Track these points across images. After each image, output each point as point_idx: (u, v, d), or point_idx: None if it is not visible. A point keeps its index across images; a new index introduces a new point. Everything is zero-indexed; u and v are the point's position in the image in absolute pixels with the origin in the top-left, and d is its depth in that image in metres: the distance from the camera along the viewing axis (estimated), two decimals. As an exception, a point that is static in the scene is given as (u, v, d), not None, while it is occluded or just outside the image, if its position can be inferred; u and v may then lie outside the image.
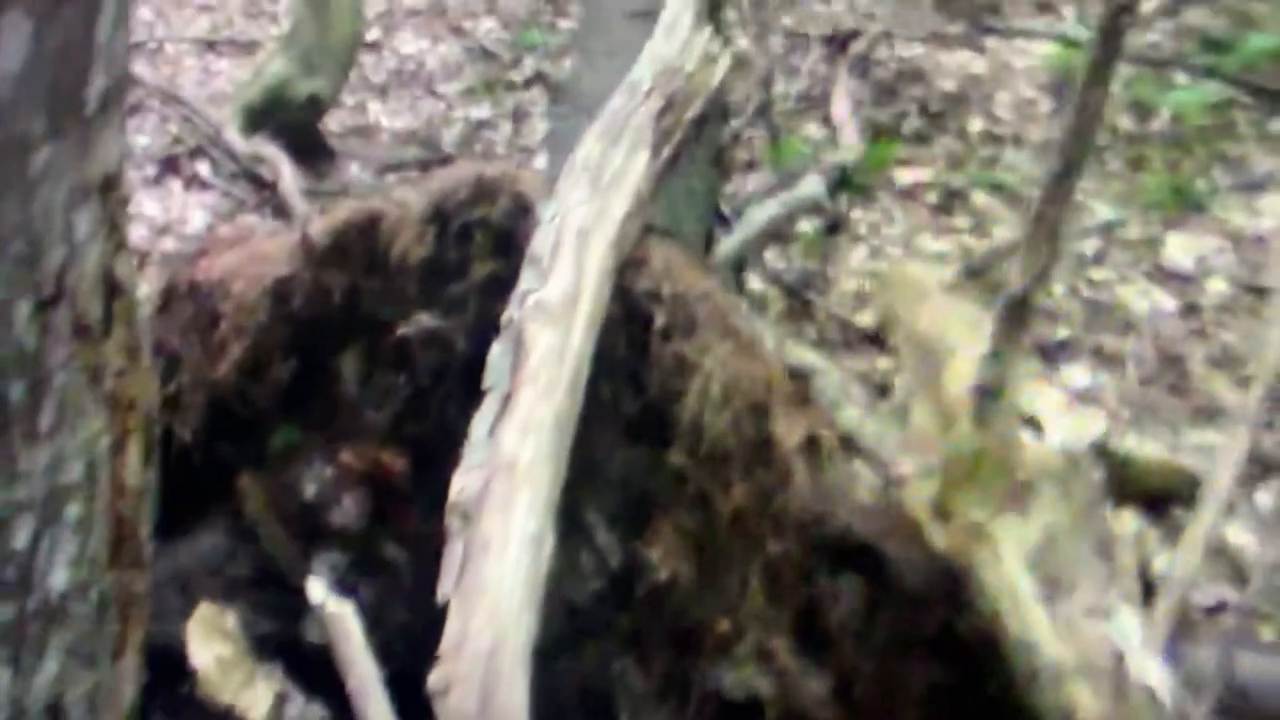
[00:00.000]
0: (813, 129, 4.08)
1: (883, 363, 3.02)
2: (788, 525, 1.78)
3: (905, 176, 3.83)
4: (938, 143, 4.00)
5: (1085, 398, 2.93)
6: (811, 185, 3.47)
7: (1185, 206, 3.61)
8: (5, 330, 1.09)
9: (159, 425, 1.35)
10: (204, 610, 1.80)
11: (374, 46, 4.62)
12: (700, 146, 2.28)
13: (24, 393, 1.12)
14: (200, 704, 1.72)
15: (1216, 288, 3.33)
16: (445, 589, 1.44)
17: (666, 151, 1.95)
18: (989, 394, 1.79)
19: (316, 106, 3.95)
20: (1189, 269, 3.40)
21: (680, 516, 1.79)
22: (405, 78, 4.51)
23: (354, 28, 4.08)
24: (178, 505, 1.50)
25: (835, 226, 3.60)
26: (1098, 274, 3.40)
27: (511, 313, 1.67)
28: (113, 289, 1.19)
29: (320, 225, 1.93)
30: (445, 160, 3.85)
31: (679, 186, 2.22)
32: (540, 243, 1.75)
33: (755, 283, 3.31)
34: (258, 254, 1.96)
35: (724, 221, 3.24)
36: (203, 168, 3.88)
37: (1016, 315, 1.79)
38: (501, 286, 1.75)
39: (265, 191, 3.70)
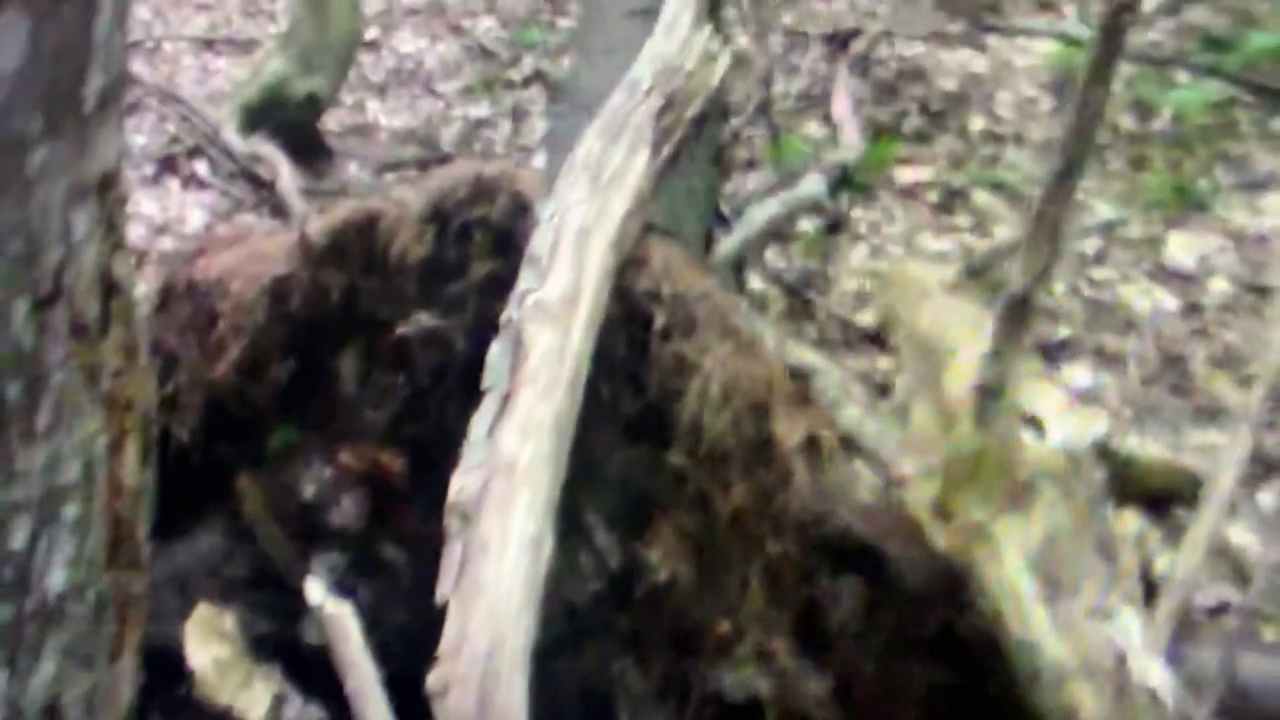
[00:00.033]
0: (813, 128, 4.08)
1: (883, 362, 3.01)
2: (788, 525, 1.78)
3: (906, 175, 3.82)
4: (938, 142, 3.99)
5: (1087, 397, 2.92)
6: (812, 184, 3.46)
7: (1187, 205, 3.61)
8: (2, 329, 1.09)
9: (157, 425, 1.35)
10: (202, 611, 1.80)
11: (373, 45, 4.61)
12: (700, 145, 2.27)
13: (21, 392, 1.11)
14: (198, 705, 1.72)
15: (1218, 287, 3.33)
16: (444, 590, 1.44)
17: (666, 150, 1.95)
18: (990, 394, 1.79)
19: (315, 105, 3.95)
20: (1191, 268, 3.40)
21: (680, 517, 1.78)
22: (404, 76, 4.51)
23: (352, 26, 4.07)
24: (175, 506, 1.50)
25: (836, 226, 3.59)
26: (1099, 273, 3.39)
27: (510, 312, 1.67)
28: (110, 288, 1.19)
29: (318, 224, 1.93)
30: (444, 159, 3.84)
31: (679, 185, 2.22)
32: (539, 242, 1.74)
33: (755, 282, 3.31)
34: (256, 253, 1.96)
35: (724, 221, 3.23)
36: (201, 167, 3.87)
37: (1017, 315, 1.78)
38: (500, 286, 1.75)
39: (263, 191, 3.69)
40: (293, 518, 1.89)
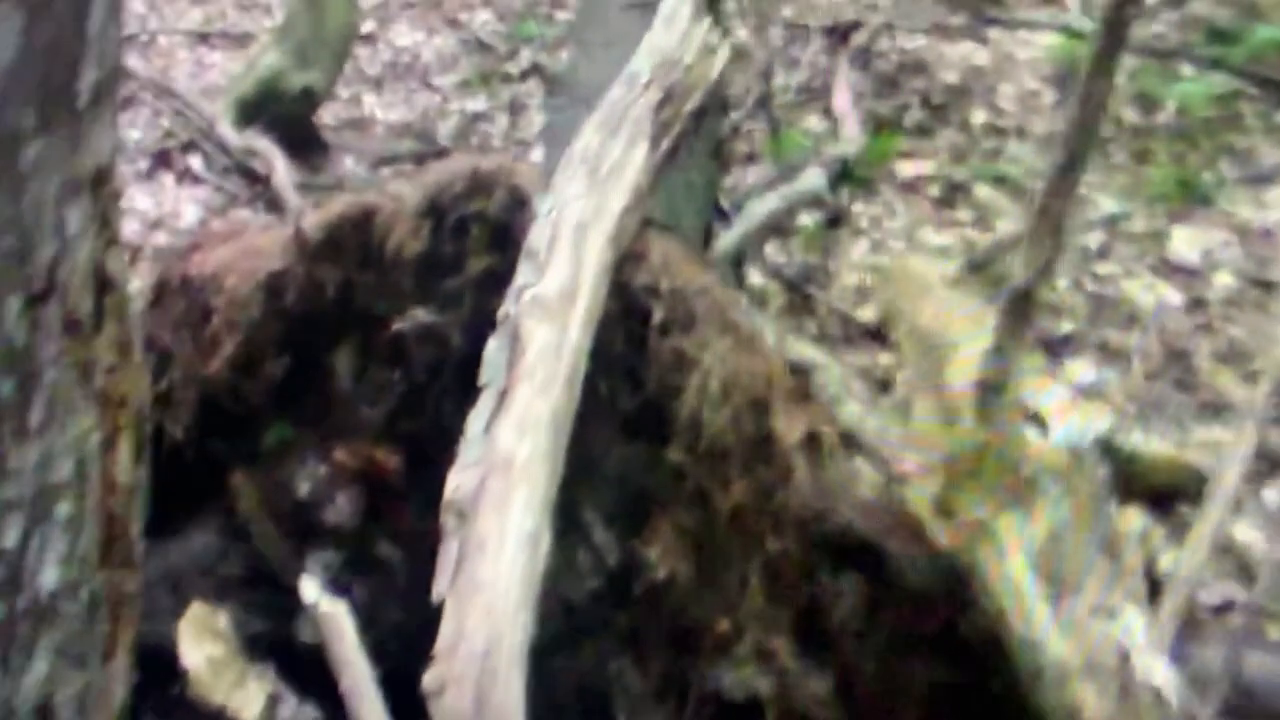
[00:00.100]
0: (813, 121, 4.06)
1: (884, 358, 3.00)
2: (788, 523, 1.77)
3: (907, 169, 3.81)
4: (940, 135, 3.98)
5: (1090, 393, 2.91)
6: (812, 178, 3.44)
7: (1191, 199, 3.59)
8: (-5, 326, 1.08)
9: (150, 422, 1.35)
10: (196, 610, 1.80)
11: (369, 39, 4.60)
12: (699, 139, 2.27)
13: (14, 389, 1.11)
14: (192, 705, 1.72)
15: (1223, 281, 3.32)
16: (440, 588, 1.44)
17: (665, 144, 1.95)
18: (992, 389, 1.78)
19: (310, 99, 3.93)
20: (1195, 263, 3.38)
21: (679, 514, 1.78)
22: (400, 70, 4.49)
23: (348, 19, 4.06)
24: (169, 503, 1.49)
25: (836, 220, 3.58)
26: (1102, 268, 3.38)
27: (508, 308, 1.66)
28: (104, 284, 1.19)
29: (314, 219, 1.93)
30: (441, 153, 3.83)
31: (678, 180, 2.21)
32: (537, 237, 1.74)
33: (755, 277, 3.30)
34: (251, 249, 1.95)
35: (723, 215, 3.22)
36: (195, 162, 3.86)
37: (1020, 310, 1.77)
38: (498, 281, 1.75)
39: (258, 185, 3.68)
40: (287, 515, 1.89)
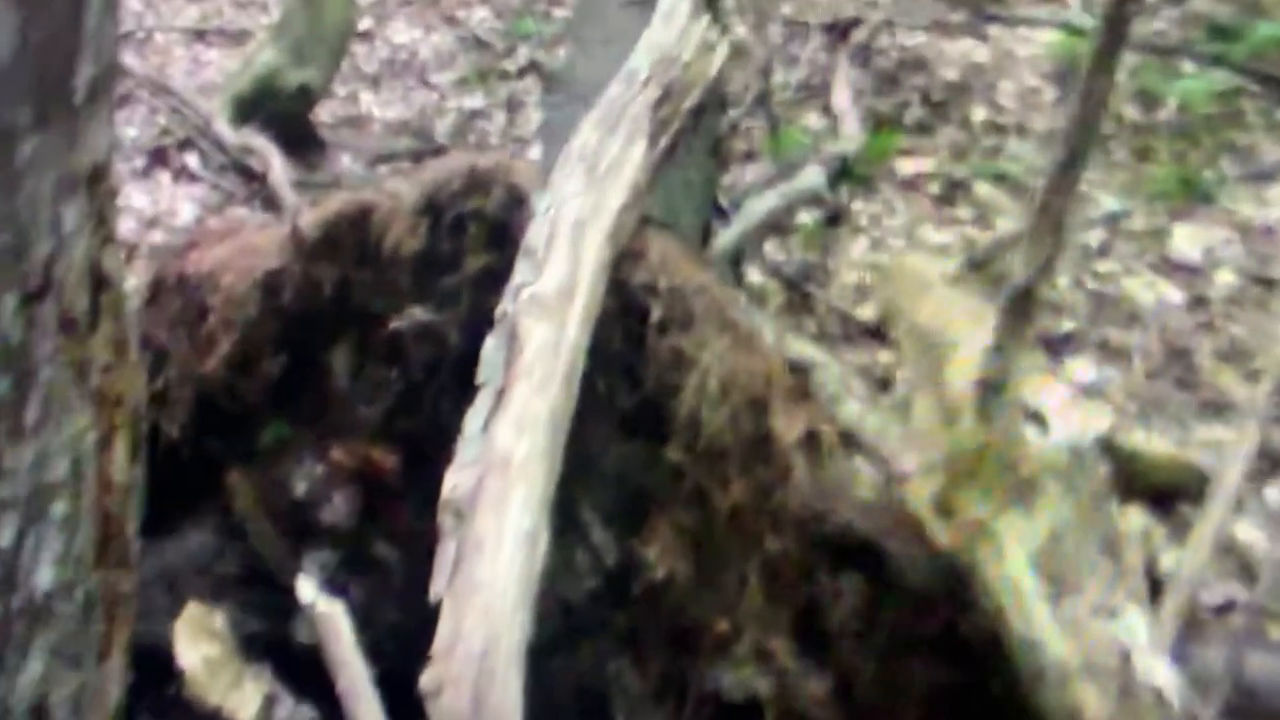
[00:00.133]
0: (813, 119, 4.06)
1: (884, 356, 3.00)
2: (787, 522, 1.77)
3: (907, 167, 3.80)
4: (940, 133, 3.97)
5: (1091, 392, 2.91)
6: (811, 176, 3.43)
7: (1192, 197, 3.59)
8: (-11, 324, 1.08)
9: (146, 421, 1.35)
10: (192, 609, 1.80)
11: (366, 36, 4.60)
12: (698, 137, 2.27)
13: (9, 388, 1.11)
14: (187, 705, 1.72)
15: (1224, 280, 3.31)
16: (438, 588, 1.43)
17: (663, 142, 1.94)
18: (992, 388, 1.78)
19: (307, 97, 3.93)
20: (1196, 260, 3.38)
21: (677, 513, 1.78)
22: (398, 67, 4.49)
23: (345, 16, 4.06)
24: (165, 502, 1.49)
25: (836, 218, 3.58)
26: (1103, 266, 3.37)
27: (505, 306, 1.66)
28: (100, 282, 1.19)
29: (311, 217, 1.92)
30: (438, 151, 3.82)
31: (676, 178, 2.21)
32: (535, 235, 1.73)
33: (754, 275, 3.29)
34: (247, 247, 1.95)
35: (722, 213, 3.22)
36: (192, 159, 3.85)
37: (1020, 308, 1.77)
38: (495, 279, 1.74)
39: (255, 183, 3.68)
40: (284, 514, 1.89)
